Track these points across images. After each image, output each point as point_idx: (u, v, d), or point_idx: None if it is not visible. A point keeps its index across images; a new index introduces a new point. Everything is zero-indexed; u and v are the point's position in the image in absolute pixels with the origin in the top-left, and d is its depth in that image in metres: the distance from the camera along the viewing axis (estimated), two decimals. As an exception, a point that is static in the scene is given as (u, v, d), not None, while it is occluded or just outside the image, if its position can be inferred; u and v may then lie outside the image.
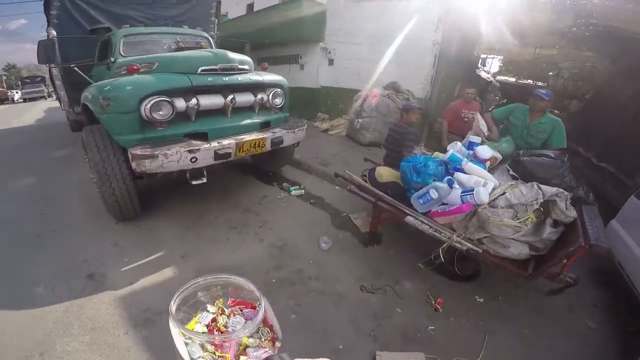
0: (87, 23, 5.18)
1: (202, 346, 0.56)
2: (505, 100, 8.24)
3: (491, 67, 11.24)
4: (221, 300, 0.77)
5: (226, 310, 0.70)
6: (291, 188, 4.46)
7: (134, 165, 2.77)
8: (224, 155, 3.05)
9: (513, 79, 11.73)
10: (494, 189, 2.50)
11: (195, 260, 2.93)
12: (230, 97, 3.33)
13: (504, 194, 2.46)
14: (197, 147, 2.84)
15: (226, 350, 0.55)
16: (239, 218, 3.72)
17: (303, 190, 4.47)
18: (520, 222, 2.31)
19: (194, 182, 3.02)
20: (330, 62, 8.20)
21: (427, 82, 6.57)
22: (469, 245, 2.44)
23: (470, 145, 2.92)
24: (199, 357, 0.53)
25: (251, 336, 0.62)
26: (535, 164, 2.58)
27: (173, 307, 0.66)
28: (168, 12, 5.94)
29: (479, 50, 8.28)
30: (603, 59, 8.81)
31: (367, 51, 7.30)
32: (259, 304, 0.69)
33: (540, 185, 2.34)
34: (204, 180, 3.07)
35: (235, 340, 0.56)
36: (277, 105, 3.87)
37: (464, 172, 2.57)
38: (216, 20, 6.73)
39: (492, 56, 10.91)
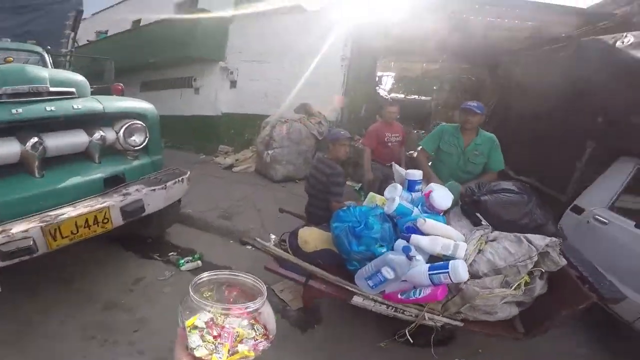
0: None
1: (202, 337, 0.55)
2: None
3: (386, 85, 11.65)
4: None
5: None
6: (181, 261, 3.13)
7: None
8: (17, 252, 1.64)
9: (402, 96, 12.44)
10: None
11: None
12: (33, 140, 1.94)
13: (479, 252, 1.73)
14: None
15: (225, 339, 0.55)
16: (100, 320, 2.35)
17: (199, 261, 3.18)
18: (514, 289, 1.65)
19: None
20: (233, 84, 7.16)
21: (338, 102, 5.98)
22: (445, 320, 1.89)
23: (411, 186, 2.12)
24: (197, 346, 0.53)
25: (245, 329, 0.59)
26: (499, 205, 1.93)
27: (192, 291, 0.58)
28: (-4, 24, 4.23)
29: (377, 68, 8.27)
30: (480, 71, 9.83)
31: (276, 70, 6.54)
32: (261, 297, 0.61)
33: (529, 237, 1.69)
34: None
35: (232, 332, 0.55)
36: (135, 147, 2.55)
37: (421, 232, 1.74)
38: (72, 34, 5.15)
39: (386, 74, 11.31)
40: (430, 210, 1.88)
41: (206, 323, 0.56)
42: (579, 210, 2.70)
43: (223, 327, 0.56)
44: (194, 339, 0.54)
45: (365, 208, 1.99)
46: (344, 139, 2.60)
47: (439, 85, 10.57)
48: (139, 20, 9.30)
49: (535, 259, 1.64)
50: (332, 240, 1.96)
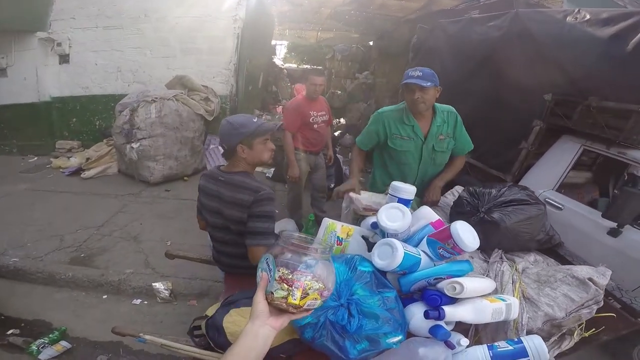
0: None
1: (279, 283, 0.65)
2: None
3: (280, 54, 10.66)
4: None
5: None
6: (33, 345, 1.92)
7: None
8: None
9: (295, 65, 11.81)
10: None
11: None
12: None
13: (524, 300, 1.21)
14: None
15: (299, 286, 0.64)
16: None
17: (65, 342, 1.98)
18: (577, 336, 1.21)
19: None
20: (63, 58, 5.09)
21: (229, 72, 4.78)
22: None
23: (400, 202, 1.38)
24: (276, 289, 0.64)
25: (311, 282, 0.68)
26: (518, 224, 1.42)
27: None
28: None
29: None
30: (367, 40, 9.81)
31: (132, 37, 4.87)
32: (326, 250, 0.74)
33: (592, 278, 1.22)
34: None
35: (302, 282, 0.65)
36: None
37: (448, 298, 1.07)
38: None
39: (280, 43, 10.28)
40: (449, 252, 1.19)
41: (279, 277, 0.65)
42: None
43: (294, 281, 0.64)
44: (272, 284, 0.65)
45: (339, 266, 1.14)
46: (268, 129, 1.49)
47: (331, 55, 10.18)
48: None
49: (602, 303, 1.20)
50: (302, 338, 1.09)
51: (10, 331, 2.04)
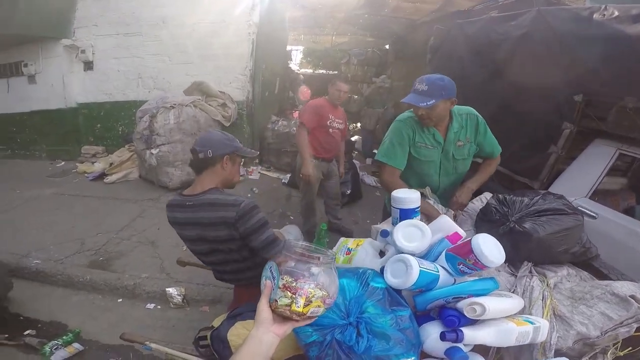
0: None
1: (282, 290, 0.65)
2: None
3: (296, 60, 10.72)
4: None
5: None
6: (46, 347, 1.95)
7: None
8: None
9: (310, 70, 11.84)
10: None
11: None
12: None
13: (555, 316, 1.09)
14: None
15: (302, 293, 0.65)
16: None
17: (77, 344, 2.01)
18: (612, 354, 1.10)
19: None
20: (88, 65, 5.26)
21: (245, 78, 4.81)
22: None
23: (406, 217, 1.28)
24: (279, 297, 0.65)
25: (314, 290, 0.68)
26: (552, 235, 1.28)
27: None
28: None
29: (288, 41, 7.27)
30: (383, 44, 9.71)
31: (151, 44, 4.99)
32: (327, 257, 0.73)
33: (635, 295, 1.09)
34: None
35: (306, 290, 0.65)
36: None
37: (467, 319, 0.97)
38: None
39: (295, 48, 10.35)
40: (470, 268, 1.10)
41: (283, 285, 0.65)
42: None
43: (298, 288, 0.65)
44: (277, 292, 0.65)
45: (349, 281, 1.06)
46: (250, 153, 1.53)
47: (347, 59, 10.15)
48: None
49: (643, 319, 1.09)
50: (307, 357, 1.02)
51: (27, 332, 2.10)
